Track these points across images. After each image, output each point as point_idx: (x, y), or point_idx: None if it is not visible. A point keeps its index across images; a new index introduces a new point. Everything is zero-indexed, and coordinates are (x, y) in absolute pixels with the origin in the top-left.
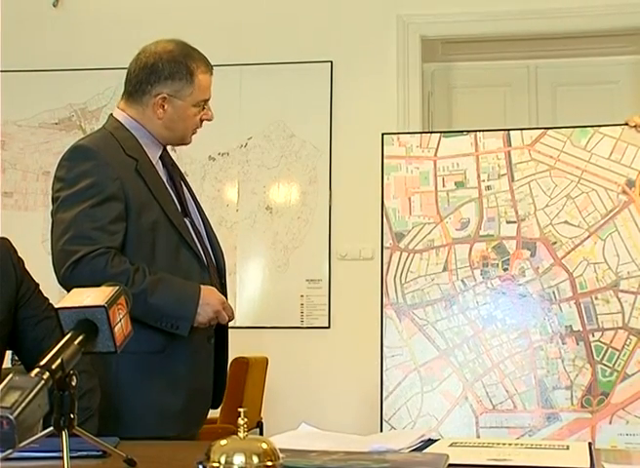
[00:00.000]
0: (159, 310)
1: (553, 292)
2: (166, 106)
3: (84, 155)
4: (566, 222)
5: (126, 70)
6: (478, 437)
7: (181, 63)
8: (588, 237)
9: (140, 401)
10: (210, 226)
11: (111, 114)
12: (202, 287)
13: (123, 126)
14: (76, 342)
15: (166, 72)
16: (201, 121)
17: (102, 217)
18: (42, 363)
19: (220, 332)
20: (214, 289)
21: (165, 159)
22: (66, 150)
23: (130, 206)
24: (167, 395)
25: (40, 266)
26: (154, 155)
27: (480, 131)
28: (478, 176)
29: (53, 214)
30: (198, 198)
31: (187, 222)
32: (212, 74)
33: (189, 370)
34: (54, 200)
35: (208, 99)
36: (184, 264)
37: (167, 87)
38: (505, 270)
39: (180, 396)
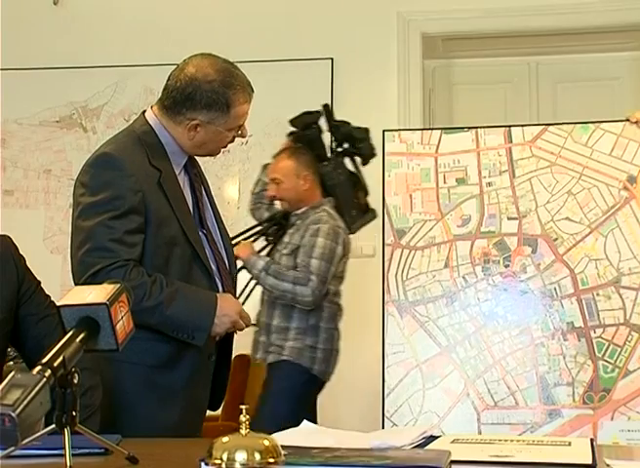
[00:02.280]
0: (176, 322)
1: (555, 289)
2: (199, 129)
3: (109, 164)
4: (567, 219)
5: (127, 68)
6: (480, 433)
7: (219, 94)
8: (590, 233)
9: (135, 412)
10: (227, 235)
11: (144, 113)
12: (219, 296)
13: (153, 131)
14: (78, 340)
15: (203, 102)
16: (234, 138)
17: (121, 229)
18: (44, 360)
19: (225, 339)
20: (230, 297)
21: (189, 167)
22: (92, 155)
23: (149, 219)
24: (162, 409)
25: (41, 264)
26: (179, 164)
27: (481, 127)
28: (479, 173)
29: (74, 220)
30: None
31: (203, 236)
32: (251, 100)
33: (187, 386)
34: (75, 204)
35: (243, 123)
36: (195, 280)
37: (202, 115)
38: (507, 267)
39: (174, 411)
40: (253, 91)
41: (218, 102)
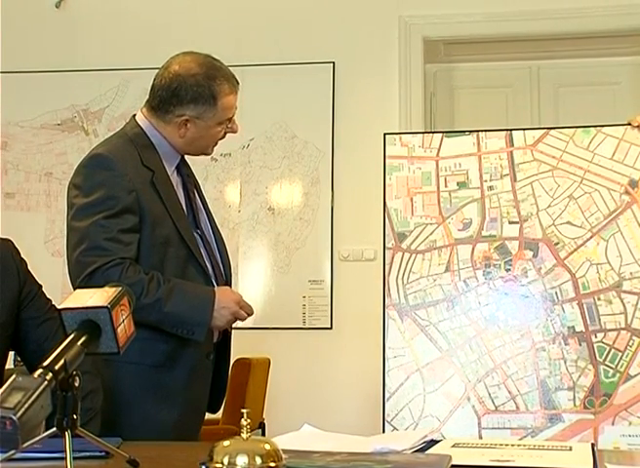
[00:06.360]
0: (175, 318)
1: (556, 293)
2: (189, 126)
3: (102, 165)
4: (568, 223)
5: (129, 71)
6: (481, 438)
7: (204, 87)
8: (591, 238)
9: (135, 412)
10: (220, 236)
11: (134, 116)
12: (216, 290)
13: (144, 132)
14: (79, 343)
15: (188, 97)
16: (225, 133)
17: (116, 228)
18: (45, 363)
19: (223, 340)
20: (228, 288)
21: (181, 169)
22: (85, 157)
23: (144, 219)
24: (161, 408)
25: (42, 267)
26: (171, 164)
27: (482, 131)
28: (480, 177)
29: (68, 221)
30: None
31: (197, 236)
32: (237, 92)
33: (186, 385)
34: (69, 206)
35: (232, 116)
36: (191, 279)
37: (189, 110)
38: (508, 271)
39: (174, 410)
40: (238, 83)
41: (203, 95)
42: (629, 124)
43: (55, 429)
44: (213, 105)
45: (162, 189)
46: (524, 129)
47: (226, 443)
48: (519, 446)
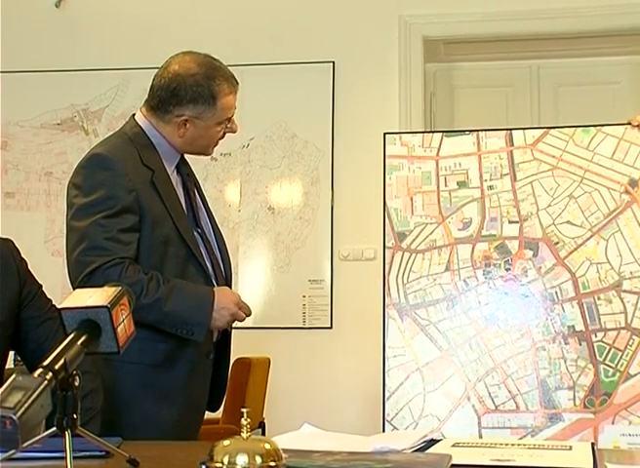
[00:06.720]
0: (175, 318)
1: (556, 293)
2: (188, 125)
3: (101, 164)
4: (568, 222)
5: (128, 71)
6: (481, 437)
7: (204, 87)
8: (591, 237)
9: (135, 411)
10: (220, 235)
11: (133, 115)
12: (216, 290)
13: (143, 132)
14: (79, 343)
15: (188, 97)
16: (225, 133)
17: (115, 228)
18: (45, 363)
19: (223, 339)
20: (227, 289)
21: (181, 168)
22: (84, 157)
23: (144, 219)
24: (161, 408)
25: (42, 266)
26: (171, 164)
27: (482, 130)
28: (480, 176)
29: (68, 221)
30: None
31: (198, 235)
32: (237, 92)
33: (186, 384)
34: (69, 206)
35: (232, 116)
36: (191, 278)
37: (189, 109)
38: (508, 270)
39: (174, 409)
40: (237, 82)
41: (203, 95)
42: (629, 123)
43: (55, 429)
44: (212, 105)
45: (162, 189)
46: (524, 128)
47: (226, 442)
48: (519, 445)
